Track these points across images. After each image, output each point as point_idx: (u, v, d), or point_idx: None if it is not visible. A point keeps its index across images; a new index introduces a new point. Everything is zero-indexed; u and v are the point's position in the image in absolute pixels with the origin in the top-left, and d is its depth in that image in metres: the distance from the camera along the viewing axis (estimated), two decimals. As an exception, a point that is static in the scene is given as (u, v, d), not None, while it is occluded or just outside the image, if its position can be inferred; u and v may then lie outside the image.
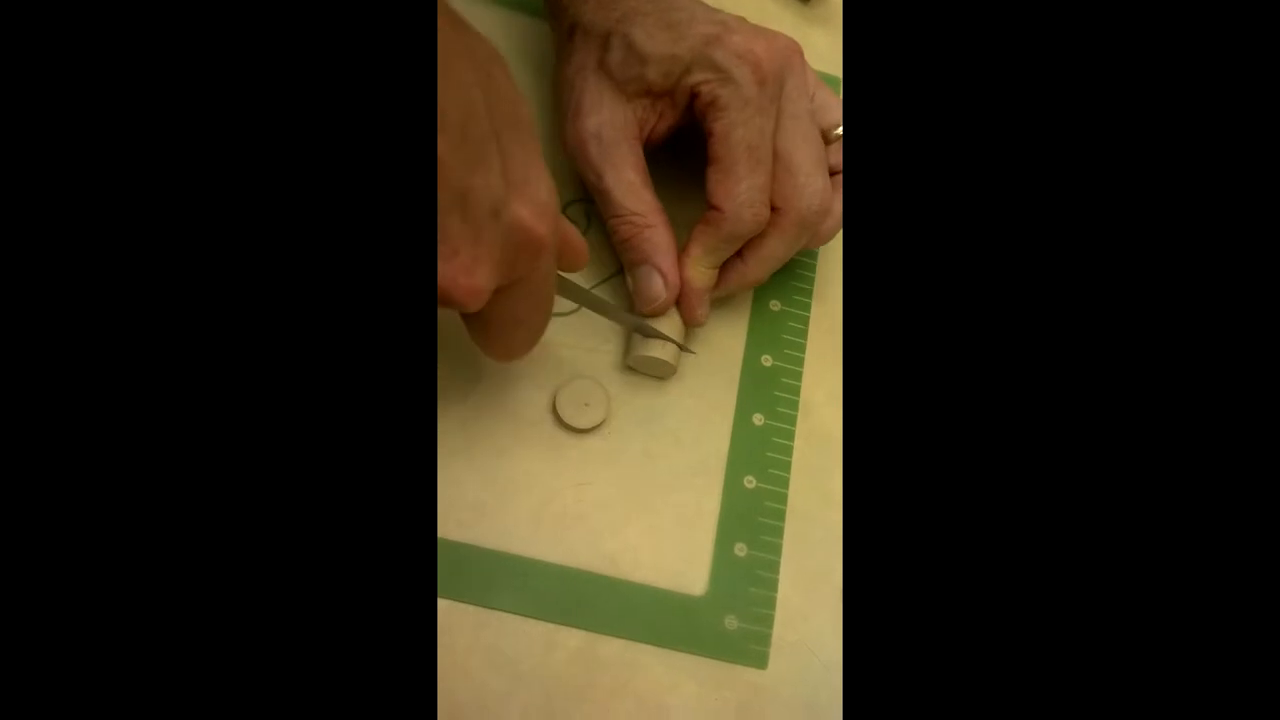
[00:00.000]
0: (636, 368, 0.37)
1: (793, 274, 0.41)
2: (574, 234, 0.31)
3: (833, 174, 0.37)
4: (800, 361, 0.39)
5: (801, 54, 0.36)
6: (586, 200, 0.39)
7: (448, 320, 0.33)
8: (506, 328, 0.29)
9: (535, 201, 0.25)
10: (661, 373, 0.37)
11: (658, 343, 0.35)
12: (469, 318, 0.29)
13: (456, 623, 0.31)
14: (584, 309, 0.37)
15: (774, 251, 0.36)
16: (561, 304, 0.37)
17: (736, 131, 0.34)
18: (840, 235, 0.42)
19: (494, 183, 0.24)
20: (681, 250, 0.36)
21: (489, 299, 0.26)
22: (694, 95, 0.35)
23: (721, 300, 0.39)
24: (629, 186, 0.35)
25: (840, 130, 0.37)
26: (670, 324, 0.36)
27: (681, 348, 0.36)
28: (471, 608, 0.31)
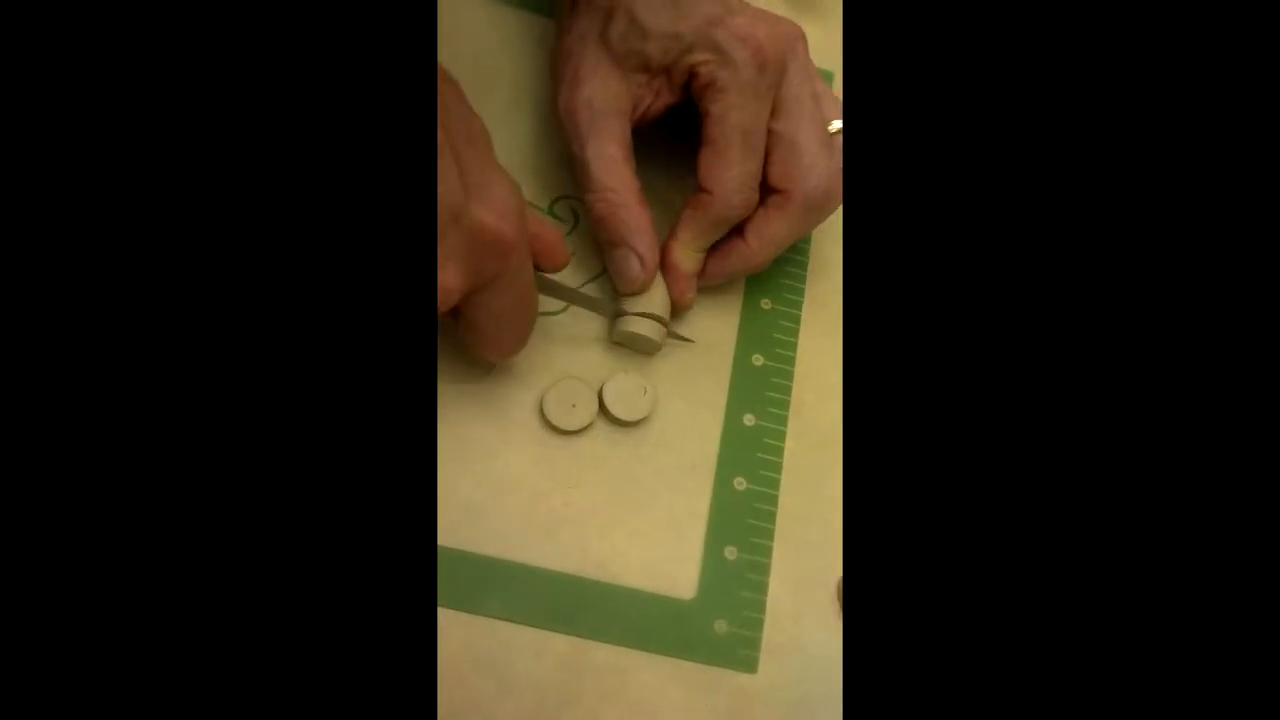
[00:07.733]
0: (622, 343, 0.37)
1: (784, 271, 0.40)
2: (550, 233, 0.31)
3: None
4: (792, 361, 0.39)
5: (804, 40, 0.36)
6: (573, 197, 0.39)
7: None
8: (491, 327, 0.30)
9: (496, 204, 0.26)
10: (647, 349, 0.37)
11: (643, 319, 0.35)
12: (458, 322, 0.31)
13: (444, 628, 0.31)
14: (573, 307, 0.37)
15: (779, 234, 0.36)
16: (550, 304, 0.36)
17: (732, 115, 0.33)
18: (840, 232, 0.42)
19: (453, 189, 0.25)
20: (669, 233, 0.35)
21: (466, 300, 0.28)
22: (692, 75, 0.34)
23: (712, 297, 0.39)
24: (609, 161, 0.34)
25: (835, 126, 0.37)
26: (658, 303, 0.36)
27: (670, 332, 0.36)
28: (459, 613, 0.31)
